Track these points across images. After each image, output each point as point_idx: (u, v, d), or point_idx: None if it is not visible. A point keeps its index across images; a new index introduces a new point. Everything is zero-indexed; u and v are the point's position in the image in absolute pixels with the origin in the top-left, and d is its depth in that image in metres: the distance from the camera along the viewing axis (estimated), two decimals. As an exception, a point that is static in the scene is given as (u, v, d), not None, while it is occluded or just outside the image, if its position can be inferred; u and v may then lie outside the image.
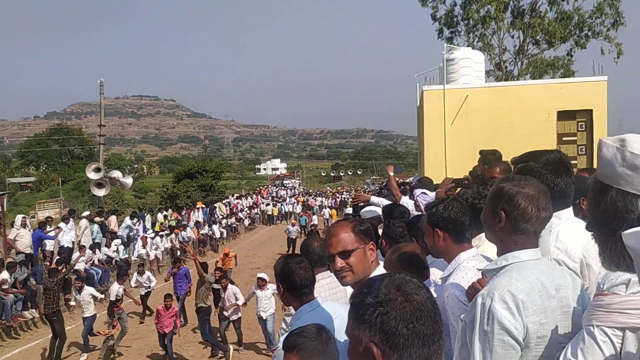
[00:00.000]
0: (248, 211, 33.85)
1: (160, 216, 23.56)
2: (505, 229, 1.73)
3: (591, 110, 12.49)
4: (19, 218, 14.51)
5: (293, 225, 24.11)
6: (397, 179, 8.23)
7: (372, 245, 2.23)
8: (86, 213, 18.40)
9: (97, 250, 15.43)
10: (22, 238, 13.60)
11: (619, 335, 1.34)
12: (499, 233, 1.76)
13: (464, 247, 2.29)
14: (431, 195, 4.62)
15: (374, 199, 5.25)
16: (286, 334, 2.18)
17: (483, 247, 2.46)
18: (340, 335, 2.29)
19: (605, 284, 1.43)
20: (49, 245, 14.52)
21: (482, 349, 1.61)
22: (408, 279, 1.16)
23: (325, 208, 36.51)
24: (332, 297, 3.03)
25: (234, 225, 28.98)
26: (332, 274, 3.21)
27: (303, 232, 25.78)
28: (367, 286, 1.17)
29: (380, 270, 2.25)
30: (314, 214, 32.45)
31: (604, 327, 1.36)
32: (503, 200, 1.73)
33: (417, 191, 4.55)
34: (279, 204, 39.04)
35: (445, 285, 2.27)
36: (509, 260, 1.72)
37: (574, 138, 12.80)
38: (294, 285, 2.47)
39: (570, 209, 2.15)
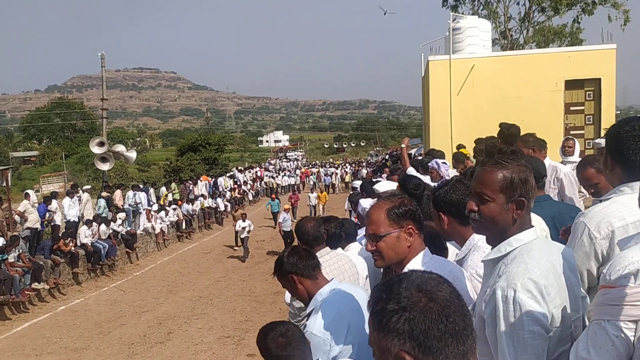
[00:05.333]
0: (252, 184, 33.84)
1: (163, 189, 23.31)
2: (519, 213, 1.67)
3: (599, 79, 12.29)
4: (32, 193, 14.37)
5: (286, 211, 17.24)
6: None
7: (409, 229, 2.01)
8: (87, 187, 18.41)
9: (104, 225, 15.45)
10: (32, 214, 13.60)
11: (631, 328, 1.31)
12: (509, 218, 1.66)
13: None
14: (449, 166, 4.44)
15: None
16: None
17: None
18: (362, 311, 2.27)
19: (611, 275, 1.36)
20: (57, 220, 14.57)
21: (511, 343, 1.54)
22: (427, 276, 1.09)
23: (313, 192, 26.20)
24: (337, 271, 3.03)
25: (238, 197, 29.07)
26: (331, 251, 3.20)
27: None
28: (385, 291, 1.09)
29: (422, 256, 2.04)
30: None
31: (615, 321, 1.31)
32: (519, 186, 1.65)
33: (439, 161, 4.38)
34: (279, 176, 39.08)
35: (464, 266, 2.21)
36: (513, 244, 1.65)
37: (582, 107, 12.62)
38: (310, 268, 2.42)
39: None
